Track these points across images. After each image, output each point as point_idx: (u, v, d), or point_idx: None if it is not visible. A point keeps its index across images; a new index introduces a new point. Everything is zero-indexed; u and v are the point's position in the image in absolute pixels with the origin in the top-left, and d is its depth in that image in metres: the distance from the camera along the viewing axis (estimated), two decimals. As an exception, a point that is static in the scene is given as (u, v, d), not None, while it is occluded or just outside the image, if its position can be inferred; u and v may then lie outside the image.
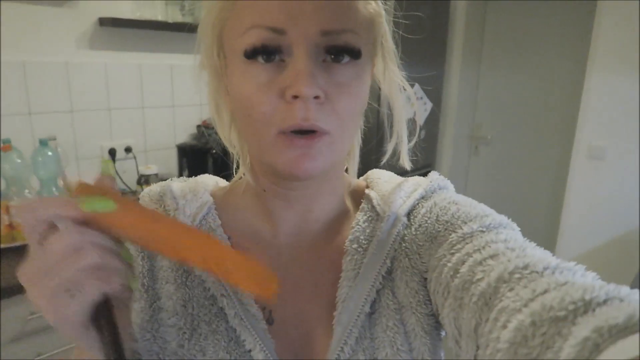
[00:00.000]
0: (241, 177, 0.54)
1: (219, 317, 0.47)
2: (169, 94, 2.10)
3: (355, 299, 0.47)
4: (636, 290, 0.30)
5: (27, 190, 1.47)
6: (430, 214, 0.49)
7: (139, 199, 0.54)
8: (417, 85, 2.55)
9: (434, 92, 2.83)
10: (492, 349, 0.34)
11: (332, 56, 0.41)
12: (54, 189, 1.56)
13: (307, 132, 0.41)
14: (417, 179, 0.55)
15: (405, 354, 0.46)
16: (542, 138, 2.94)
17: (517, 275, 0.36)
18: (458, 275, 0.41)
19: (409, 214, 0.51)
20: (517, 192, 3.10)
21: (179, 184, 0.54)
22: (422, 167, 2.84)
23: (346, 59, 0.41)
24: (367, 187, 0.56)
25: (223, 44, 0.45)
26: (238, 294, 0.48)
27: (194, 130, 2.21)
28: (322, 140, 0.42)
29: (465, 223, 0.46)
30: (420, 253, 0.48)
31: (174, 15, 1.99)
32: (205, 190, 0.54)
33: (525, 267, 0.37)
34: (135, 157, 2.01)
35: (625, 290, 0.30)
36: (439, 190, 0.53)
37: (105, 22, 1.81)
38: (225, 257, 0.37)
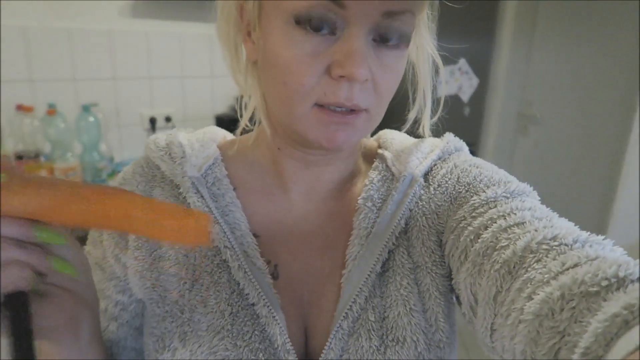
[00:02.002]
0: (244, 128, 0.53)
1: (221, 269, 0.47)
2: (209, 65, 2.11)
3: (366, 257, 0.46)
4: None
5: (70, 154, 1.52)
6: (451, 174, 0.49)
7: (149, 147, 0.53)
8: (463, 60, 2.44)
9: (482, 66, 2.69)
10: (514, 319, 0.33)
11: (382, 35, 0.39)
12: (95, 153, 1.60)
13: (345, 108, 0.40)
14: (432, 140, 0.54)
15: (418, 314, 0.45)
16: (596, 118, 2.76)
17: (545, 247, 0.35)
18: (479, 240, 0.40)
19: (426, 175, 0.50)
20: (566, 176, 2.94)
21: (185, 134, 0.53)
22: (468, 146, 2.74)
23: (395, 40, 0.40)
24: (379, 147, 0.55)
25: None
26: (243, 246, 0.47)
27: (232, 102, 2.22)
28: (360, 117, 0.41)
29: (488, 187, 0.45)
30: (439, 213, 0.48)
31: (215, -17, 1.97)
32: (212, 142, 0.53)
33: (554, 238, 0.36)
34: (174, 127, 2.03)
35: None
36: (455, 152, 0.53)
37: (147, -10, 1.81)
38: (151, 210, 0.34)
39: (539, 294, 0.32)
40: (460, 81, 2.48)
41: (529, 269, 0.34)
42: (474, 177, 0.47)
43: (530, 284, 0.33)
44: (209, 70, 2.11)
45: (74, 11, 1.69)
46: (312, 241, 0.50)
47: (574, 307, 0.29)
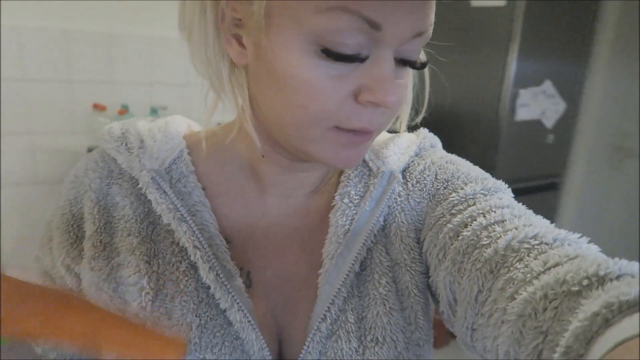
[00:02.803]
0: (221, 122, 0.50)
1: (187, 276, 0.43)
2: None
3: (344, 256, 0.45)
4: None
5: (135, 153, 1.62)
6: (429, 171, 0.49)
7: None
8: (548, 82, 2.24)
9: (572, 90, 2.45)
10: (497, 319, 0.33)
11: (405, 57, 0.38)
12: (158, 154, 1.69)
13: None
14: (408, 135, 0.53)
15: (397, 312, 0.44)
16: None
17: (526, 245, 0.36)
18: (459, 238, 0.40)
19: (403, 171, 0.50)
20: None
21: (145, 124, 0.49)
22: (549, 177, 2.51)
23: (414, 58, 0.39)
24: None
25: None
26: (212, 248, 0.43)
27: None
28: (373, 135, 0.41)
29: (466, 184, 0.45)
30: (417, 210, 0.47)
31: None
32: (177, 132, 0.49)
33: (535, 237, 0.36)
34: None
35: (637, 266, 0.30)
36: (430, 148, 0.52)
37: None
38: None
39: (521, 294, 0.32)
40: (543, 105, 2.28)
41: (511, 269, 0.35)
42: (452, 174, 0.47)
43: (513, 284, 0.33)
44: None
45: (157, 19, 1.82)
46: (287, 245, 0.47)
47: (556, 307, 0.29)
